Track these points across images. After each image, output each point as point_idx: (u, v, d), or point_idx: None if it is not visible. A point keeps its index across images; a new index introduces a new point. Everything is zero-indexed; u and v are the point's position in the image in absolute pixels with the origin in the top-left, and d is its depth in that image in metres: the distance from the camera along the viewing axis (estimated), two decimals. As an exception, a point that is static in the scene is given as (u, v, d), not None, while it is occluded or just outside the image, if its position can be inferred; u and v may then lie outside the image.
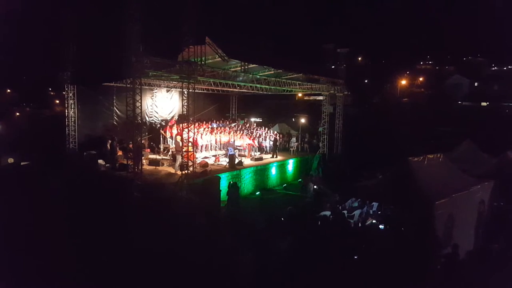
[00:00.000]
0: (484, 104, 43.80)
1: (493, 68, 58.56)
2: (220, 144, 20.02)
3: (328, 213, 11.35)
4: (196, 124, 17.25)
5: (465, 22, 57.76)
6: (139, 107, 12.93)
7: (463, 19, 58.53)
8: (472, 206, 9.63)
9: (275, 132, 22.81)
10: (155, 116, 22.69)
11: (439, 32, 60.79)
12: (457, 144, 14.24)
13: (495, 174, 11.16)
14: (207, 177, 14.38)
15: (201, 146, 18.93)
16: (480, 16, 52.75)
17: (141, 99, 12.92)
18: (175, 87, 21.76)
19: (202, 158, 17.22)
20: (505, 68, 56.88)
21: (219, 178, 14.31)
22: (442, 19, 62.61)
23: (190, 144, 13.91)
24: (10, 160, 17.81)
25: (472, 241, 9.58)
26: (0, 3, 28.19)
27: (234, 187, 14.21)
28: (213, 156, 18.39)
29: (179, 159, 14.80)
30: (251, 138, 20.09)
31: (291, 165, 20.26)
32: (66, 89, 17.84)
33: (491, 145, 14.41)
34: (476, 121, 28.79)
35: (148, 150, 18.54)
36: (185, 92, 13.77)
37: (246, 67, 16.11)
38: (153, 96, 22.47)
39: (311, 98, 43.58)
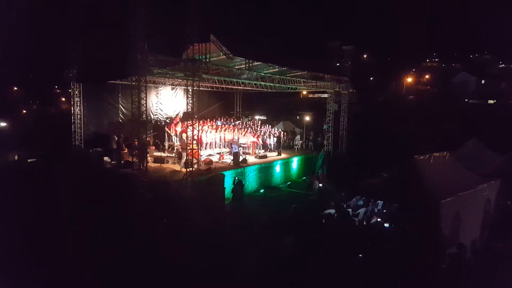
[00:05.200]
0: (491, 101, 43.33)
1: (500, 66, 57.85)
2: (225, 141, 20.04)
3: (332, 211, 11.34)
4: (201, 122, 17.28)
5: (471, 19, 57.17)
6: (144, 105, 12.98)
7: (469, 16, 57.95)
8: (478, 205, 9.55)
9: (279, 130, 22.80)
10: (160, 114, 22.78)
11: (445, 29, 60.24)
12: (463, 142, 14.10)
13: (501, 173, 11.02)
14: (211, 175, 14.42)
15: (206, 144, 18.98)
16: (487, 13, 52.15)
17: (146, 96, 12.96)
18: (179, 84, 21.81)
19: (207, 156, 17.25)
20: (512, 65, 56.20)
21: (224, 175, 14.34)
22: (448, 16, 61.99)
23: (194, 141, 13.94)
24: (17, 157, 18.01)
25: (478, 240, 9.51)
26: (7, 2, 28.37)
27: (239, 184, 14.24)
28: (217, 153, 18.42)
29: (184, 156, 14.85)
30: (256, 136, 20.09)
31: (295, 163, 20.23)
32: (72, 86, 17.96)
33: (498, 143, 14.25)
34: (483, 119, 28.49)
35: (153, 147, 18.62)
36: (190, 90, 13.79)
37: (250, 64, 16.08)
38: (158, 93, 22.54)
39: (316, 95, 43.45)
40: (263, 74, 17.67)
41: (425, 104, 37.86)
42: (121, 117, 20.81)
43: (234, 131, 20.25)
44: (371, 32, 58.74)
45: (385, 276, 7.29)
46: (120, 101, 20.72)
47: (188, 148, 13.88)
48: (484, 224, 9.70)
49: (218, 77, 16.51)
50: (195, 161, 13.85)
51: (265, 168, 17.97)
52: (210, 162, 16.17)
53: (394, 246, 8.35)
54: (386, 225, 10.38)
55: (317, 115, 27.61)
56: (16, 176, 14.85)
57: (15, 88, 44.81)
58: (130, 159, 14.59)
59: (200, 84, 14.08)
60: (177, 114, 22.59)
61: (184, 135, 15.26)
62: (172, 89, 23.17)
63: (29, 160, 18.03)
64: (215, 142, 19.80)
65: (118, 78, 17.35)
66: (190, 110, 13.78)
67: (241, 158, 17.20)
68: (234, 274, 7.81)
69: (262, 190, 17.36)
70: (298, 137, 22.79)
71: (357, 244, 8.68)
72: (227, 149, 19.35)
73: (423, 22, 58.32)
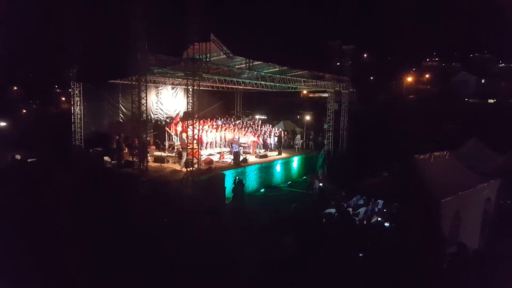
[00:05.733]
0: (491, 101, 43.36)
1: (500, 65, 57.81)
2: (225, 141, 20.05)
3: (333, 210, 11.35)
4: (201, 121, 17.27)
5: (471, 18, 57.12)
6: (144, 104, 12.96)
7: (469, 15, 57.88)
8: (478, 204, 9.54)
9: (279, 129, 22.80)
10: (160, 113, 22.79)
11: (445, 28, 60.18)
12: (463, 141, 14.10)
13: (502, 172, 11.02)
14: (212, 174, 14.43)
15: (206, 143, 18.98)
16: (486, 12, 52.10)
17: (146, 96, 12.95)
18: (180, 84, 21.83)
19: (207, 155, 17.26)
20: (512, 65, 56.12)
21: (224, 175, 14.34)
22: (448, 15, 61.94)
23: (195, 141, 13.94)
24: (17, 157, 17.98)
25: (478, 239, 9.51)
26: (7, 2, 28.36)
27: (239, 184, 14.24)
28: (218, 153, 18.43)
29: (185, 156, 14.85)
30: (256, 135, 20.09)
31: (296, 162, 20.23)
32: (72, 86, 17.96)
33: (498, 143, 14.25)
34: (483, 118, 28.47)
35: (153, 147, 18.63)
36: (190, 89, 13.78)
37: (251, 64, 16.07)
38: (158, 93, 22.54)
39: (316, 95, 43.43)
40: (263, 74, 17.66)
41: (425, 104, 37.81)
42: (121, 117, 20.82)
43: (234, 130, 20.25)
44: (371, 32, 58.68)
45: (385, 275, 7.29)
46: (120, 101, 20.72)
47: (188, 147, 13.88)
48: (484, 224, 9.69)
49: (219, 77, 16.51)
50: (195, 160, 13.85)
51: (266, 168, 17.97)
52: (211, 161, 16.17)
53: (394, 245, 8.34)
54: (387, 224, 10.39)
55: (318, 114, 27.61)
56: (16, 176, 14.83)
57: (15, 88, 44.83)
58: (131, 159, 14.58)
59: (201, 83, 14.07)
60: (178, 114, 22.60)
61: (184, 135, 15.26)
62: (173, 88, 23.17)
63: (29, 160, 18.00)
64: (215, 141, 19.81)
65: (118, 78, 17.34)
66: (190, 109, 13.78)
67: (241, 158, 17.20)
68: (234, 273, 7.81)
69: (262, 190, 17.37)
70: (298, 136, 22.79)
71: (358, 243, 8.68)
72: (228, 149, 19.35)
73: (423, 21, 58.20)
